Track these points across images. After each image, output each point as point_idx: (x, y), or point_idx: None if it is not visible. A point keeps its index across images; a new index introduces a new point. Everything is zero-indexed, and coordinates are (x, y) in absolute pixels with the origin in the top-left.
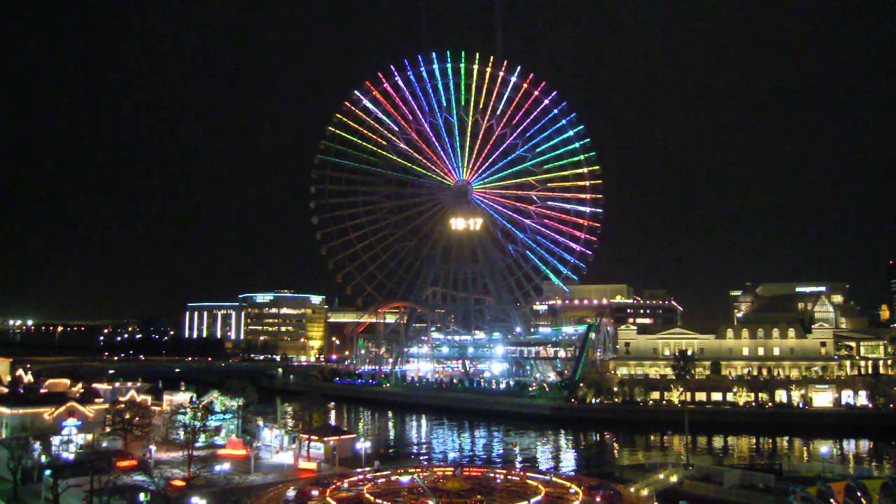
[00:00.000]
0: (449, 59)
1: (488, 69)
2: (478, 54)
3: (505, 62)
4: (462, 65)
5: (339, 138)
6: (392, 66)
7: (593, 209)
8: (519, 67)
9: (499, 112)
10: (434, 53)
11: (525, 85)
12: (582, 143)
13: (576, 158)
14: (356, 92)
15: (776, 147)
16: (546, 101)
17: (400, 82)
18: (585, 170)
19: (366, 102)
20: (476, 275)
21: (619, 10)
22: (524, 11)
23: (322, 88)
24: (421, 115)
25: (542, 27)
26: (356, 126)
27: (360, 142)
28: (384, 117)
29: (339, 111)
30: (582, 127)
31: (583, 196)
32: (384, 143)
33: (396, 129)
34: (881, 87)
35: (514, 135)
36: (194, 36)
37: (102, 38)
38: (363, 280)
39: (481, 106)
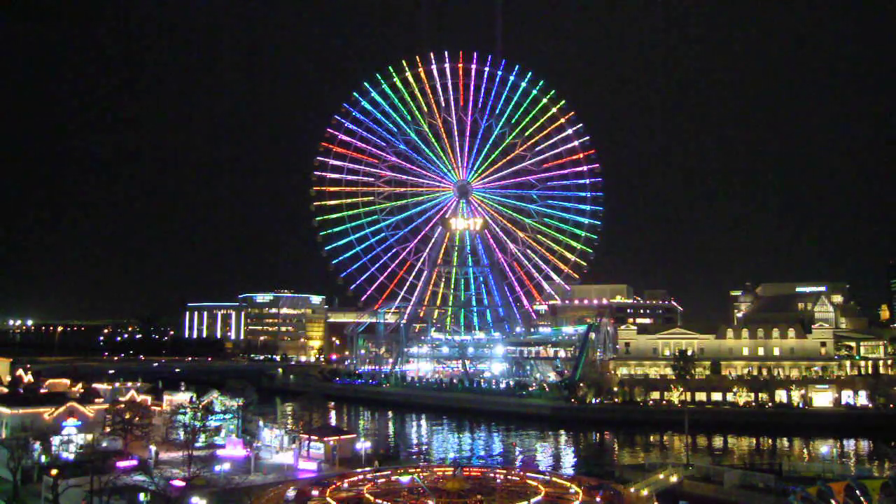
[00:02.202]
0: (447, 60)
1: (486, 69)
2: (476, 54)
3: (503, 62)
4: (460, 64)
5: (338, 140)
6: (390, 67)
7: (593, 208)
8: (517, 67)
9: (497, 112)
10: (432, 54)
11: (524, 84)
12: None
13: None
14: (354, 94)
15: (776, 147)
16: (545, 101)
17: (398, 83)
18: (586, 175)
19: (365, 103)
20: (476, 275)
21: (619, 9)
22: (524, 11)
23: (322, 89)
24: (420, 116)
25: (544, 27)
26: (355, 128)
27: (359, 143)
28: (383, 118)
29: (338, 113)
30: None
31: (583, 195)
32: (384, 143)
33: (396, 129)
34: (881, 87)
35: (513, 134)
36: (195, 35)
37: (102, 37)
38: (364, 282)
39: (480, 106)
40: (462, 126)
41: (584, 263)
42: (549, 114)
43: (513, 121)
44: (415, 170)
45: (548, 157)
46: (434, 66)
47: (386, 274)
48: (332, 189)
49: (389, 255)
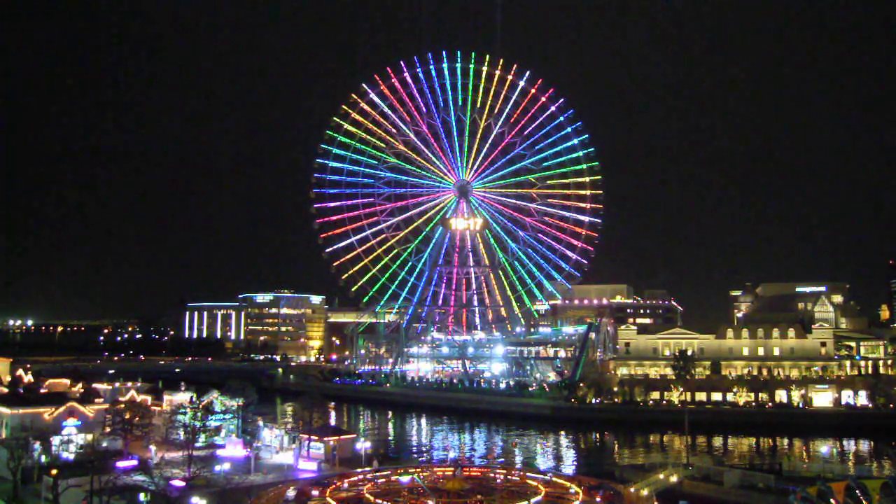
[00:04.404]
0: (445, 60)
1: (484, 68)
2: (474, 54)
3: (501, 61)
4: (458, 64)
5: (337, 142)
6: (389, 69)
7: (594, 205)
8: (515, 66)
9: (496, 111)
10: (430, 54)
11: (523, 83)
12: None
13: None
14: (353, 95)
15: (776, 147)
16: (544, 99)
17: (397, 84)
18: (586, 173)
19: (363, 105)
20: (476, 274)
21: (619, 9)
22: (524, 11)
23: (322, 88)
24: (419, 116)
25: (543, 27)
26: (354, 129)
27: (358, 145)
28: (382, 119)
29: (337, 114)
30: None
31: (583, 192)
32: (383, 145)
33: (395, 130)
34: (881, 87)
35: (512, 133)
36: (195, 35)
37: (102, 36)
38: (366, 283)
39: (479, 105)
40: (461, 126)
41: (585, 262)
42: (547, 112)
43: (512, 120)
44: (414, 170)
45: (547, 156)
46: (432, 67)
47: (387, 275)
48: (332, 191)
49: (390, 255)
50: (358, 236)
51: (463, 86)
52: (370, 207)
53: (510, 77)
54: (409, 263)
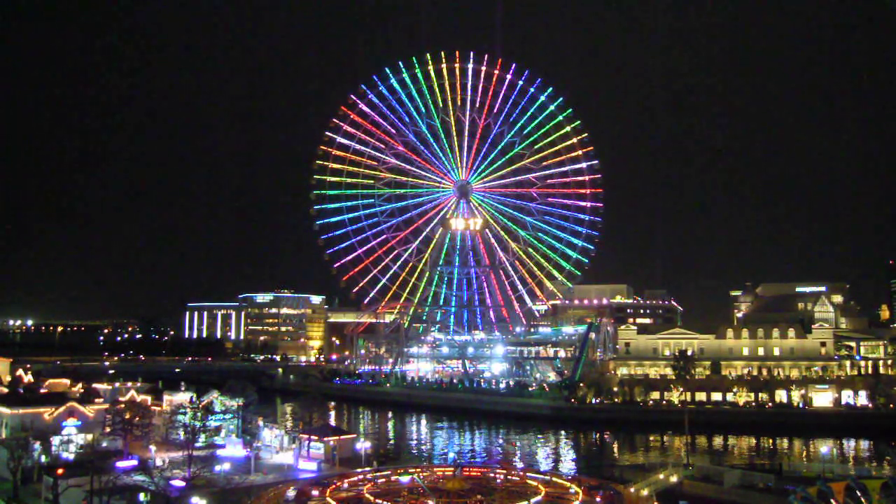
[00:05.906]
0: (444, 60)
1: (483, 68)
2: (472, 54)
3: (500, 60)
4: (457, 64)
5: (337, 143)
6: (388, 69)
7: (594, 204)
8: (514, 65)
9: (495, 110)
10: (429, 54)
11: (521, 82)
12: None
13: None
14: (352, 96)
15: (776, 147)
16: (543, 98)
17: (395, 85)
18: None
19: (362, 106)
20: (476, 274)
21: (618, 8)
22: (523, 10)
23: (323, 90)
24: (419, 117)
25: (542, 26)
26: (353, 130)
27: (358, 146)
28: (381, 120)
29: (336, 115)
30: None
31: (583, 191)
32: (382, 145)
33: (394, 131)
34: (881, 87)
35: (512, 132)
36: (195, 35)
37: (103, 37)
38: (367, 284)
39: (478, 105)
40: (460, 126)
41: (586, 261)
42: (546, 111)
43: (511, 119)
44: (414, 170)
45: (547, 155)
46: (431, 67)
47: (388, 276)
48: (332, 192)
49: (391, 256)
50: (358, 237)
51: (462, 86)
52: (370, 208)
53: (509, 76)
54: (410, 264)
